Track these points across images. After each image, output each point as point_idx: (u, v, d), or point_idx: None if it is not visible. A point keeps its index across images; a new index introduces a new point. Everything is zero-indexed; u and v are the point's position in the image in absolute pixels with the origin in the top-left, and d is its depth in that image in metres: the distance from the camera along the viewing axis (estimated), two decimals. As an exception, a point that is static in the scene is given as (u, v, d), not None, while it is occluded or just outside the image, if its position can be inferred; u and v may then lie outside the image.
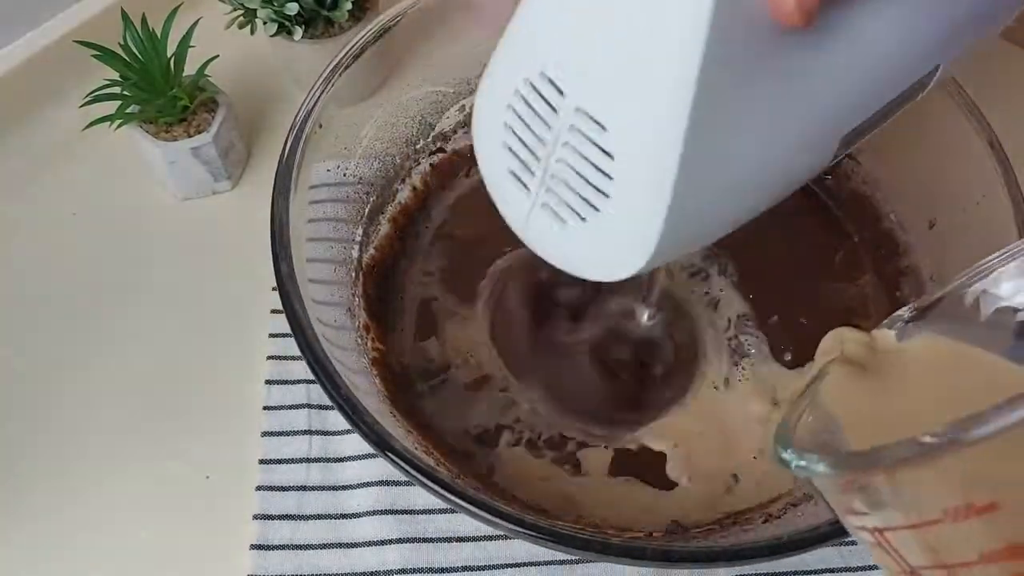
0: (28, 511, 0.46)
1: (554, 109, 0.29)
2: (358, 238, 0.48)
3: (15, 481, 0.46)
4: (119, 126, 0.52)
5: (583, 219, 0.30)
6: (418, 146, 0.53)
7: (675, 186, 0.27)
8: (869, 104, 0.31)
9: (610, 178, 0.28)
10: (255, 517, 0.44)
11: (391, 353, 0.47)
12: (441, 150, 0.53)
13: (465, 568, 0.43)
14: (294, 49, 0.57)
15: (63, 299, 0.52)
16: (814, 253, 0.51)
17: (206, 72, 0.54)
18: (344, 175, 0.47)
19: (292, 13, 0.53)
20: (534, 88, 0.29)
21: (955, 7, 0.30)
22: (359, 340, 0.45)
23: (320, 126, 0.44)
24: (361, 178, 0.49)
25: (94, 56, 0.51)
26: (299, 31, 0.55)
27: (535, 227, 0.32)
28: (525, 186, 0.31)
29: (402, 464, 0.35)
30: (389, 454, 0.35)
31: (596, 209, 0.29)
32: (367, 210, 0.49)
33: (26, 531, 0.45)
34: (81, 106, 0.52)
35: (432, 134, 0.53)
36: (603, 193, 0.29)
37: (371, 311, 0.47)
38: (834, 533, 0.34)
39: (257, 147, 0.59)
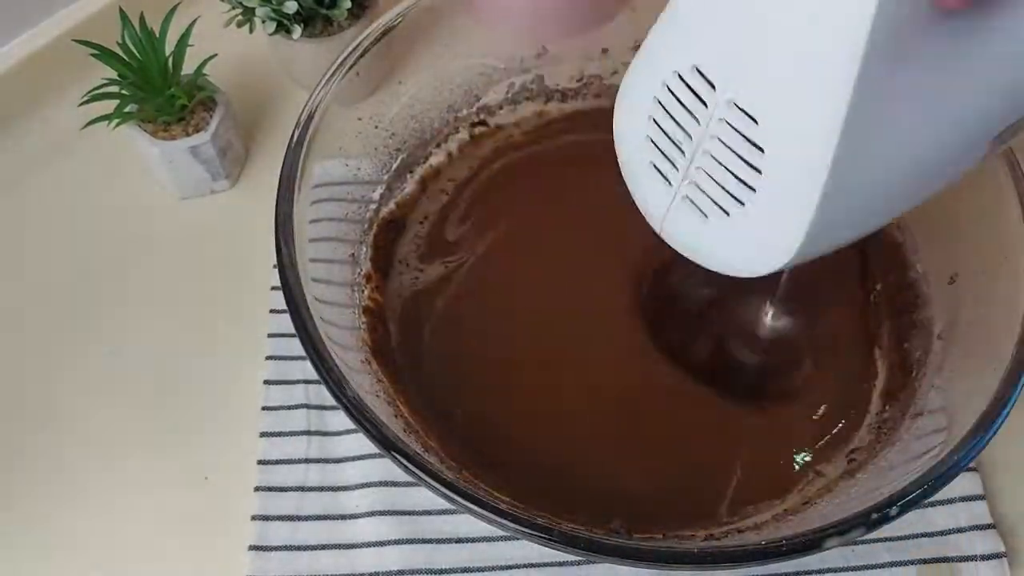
0: (27, 511, 0.45)
1: (704, 103, 0.29)
2: (376, 195, 0.50)
3: (14, 481, 0.46)
4: (117, 125, 0.52)
5: (727, 214, 0.30)
6: (460, 114, 0.53)
7: (827, 181, 0.27)
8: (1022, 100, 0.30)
9: (758, 172, 0.28)
10: (254, 518, 0.44)
11: (387, 304, 0.48)
12: (483, 123, 0.54)
13: (465, 570, 0.43)
14: (293, 48, 0.56)
15: (61, 298, 0.52)
16: (839, 292, 0.50)
17: (204, 71, 0.54)
18: (376, 127, 0.49)
19: (291, 12, 0.53)
20: (683, 82, 0.29)
21: None
22: (356, 286, 0.47)
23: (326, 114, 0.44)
24: (394, 133, 0.50)
25: (92, 55, 0.51)
26: (298, 30, 0.55)
27: (674, 221, 0.32)
28: (666, 179, 0.32)
29: (408, 465, 0.35)
30: (395, 454, 0.35)
31: (741, 203, 0.29)
32: (394, 165, 0.51)
33: (25, 531, 0.45)
34: (79, 105, 0.51)
35: (476, 105, 0.54)
36: (750, 187, 0.29)
37: (376, 262, 0.49)
38: (833, 536, 0.33)
39: (256, 146, 0.59)
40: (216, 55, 0.54)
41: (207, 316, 0.52)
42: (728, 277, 0.33)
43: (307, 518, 0.44)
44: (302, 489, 0.45)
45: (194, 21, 0.53)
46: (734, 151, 0.28)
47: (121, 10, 0.51)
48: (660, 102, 0.30)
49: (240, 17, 0.55)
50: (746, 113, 0.27)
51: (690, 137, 0.30)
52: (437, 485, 0.34)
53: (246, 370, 0.49)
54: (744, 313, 0.48)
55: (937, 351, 0.44)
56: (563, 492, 0.43)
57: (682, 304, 0.49)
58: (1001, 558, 0.43)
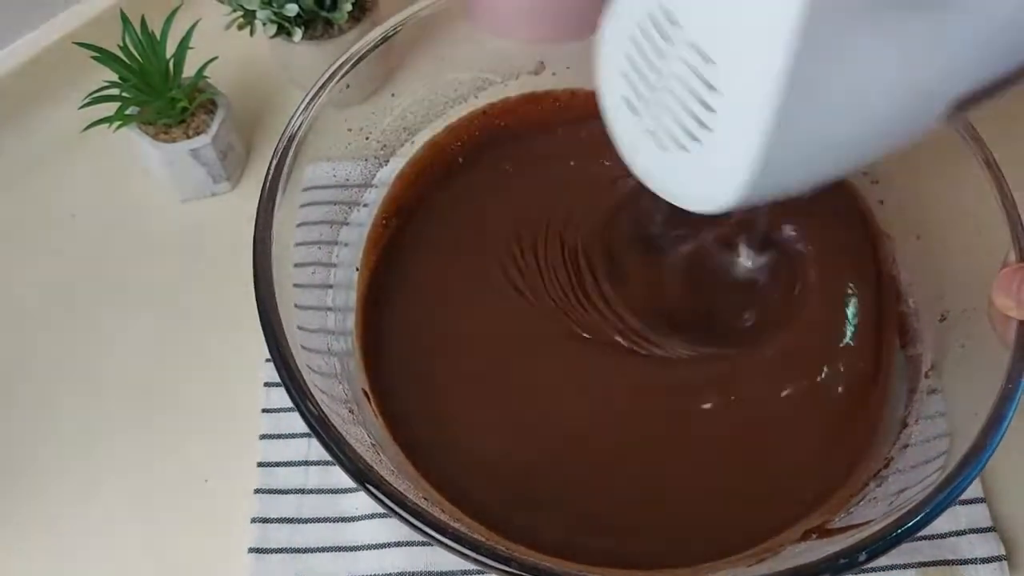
0: (26, 514, 0.45)
1: (670, 41, 0.30)
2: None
3: (13, 483, 0.46)
4: (118, 128, 0.52)
5: (684, 148, 0.31)
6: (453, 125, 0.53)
7: (772, 125, 0.28)
8: (987, 66, 0.30)
9: (712, 111, 0.29)
10: (253, 520, 0.44)
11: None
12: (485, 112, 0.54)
13: (464, 572, 0.43)
14: (294, 51, 0.56)
15: (61, 301, 0.52)
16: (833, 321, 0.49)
17: (205, 74, 0.54)
18: (367, 138, 0.48)
19: (291, 15, 0.53)
20: (653, 21, 0.31)
21: None
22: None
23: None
24: (385, 145, 0.50)
25: (93, 58, 0.51)
26: (299, 32, 0.55)
27: (640, 152, 0.35)
28: (636, 112, 0.34)
29: (384, 500, 0.35)
30: (369, 486, 0.35)
31: (696, 140, 0.31)
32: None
33: (24, 534, 0.45)
34: (80, 108, 0.51)
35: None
36: (704, 125, 0.30)
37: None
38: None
39: (256, 148, 0.59)
40: (217, 58, 0.54)
41: (207, 318, 0.52)
42: None
43: (307, 520, 0.45)
44: (302, 491, 0.45)
45: (195, 24, 0.53)
46: (692, 89, 0.30)
47: (122, 13, 0.51)
48: (634, 41, 0.32)
49: (241, 20, 0.55)
50: (703, 53, 0.29)
51: (657, 74, 0.32)
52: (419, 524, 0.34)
53: (246, 372, 0.49)
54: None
55: (924, 388, 0.43)
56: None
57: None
58: (1001, 561, 0.43)
